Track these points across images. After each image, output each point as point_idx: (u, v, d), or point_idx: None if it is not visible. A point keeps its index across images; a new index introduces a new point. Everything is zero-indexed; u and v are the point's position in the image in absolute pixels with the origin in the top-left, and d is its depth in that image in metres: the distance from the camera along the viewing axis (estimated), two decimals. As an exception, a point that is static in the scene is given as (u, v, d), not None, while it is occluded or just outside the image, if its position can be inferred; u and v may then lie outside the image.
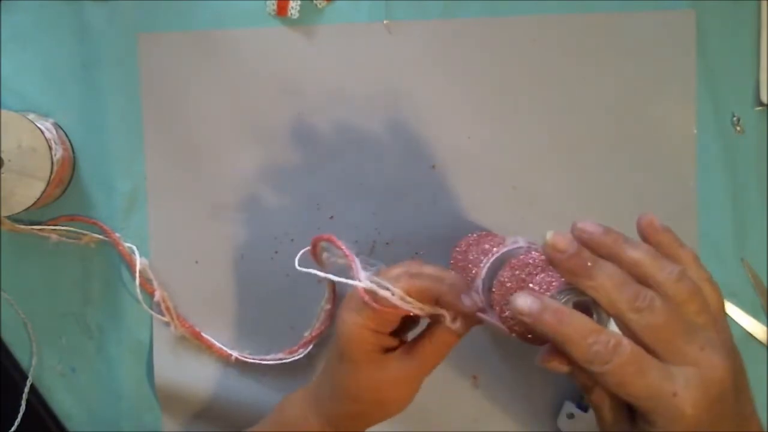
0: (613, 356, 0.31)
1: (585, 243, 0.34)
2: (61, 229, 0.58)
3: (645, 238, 0.36)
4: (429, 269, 0.42)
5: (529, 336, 0.40)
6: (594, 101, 0.58)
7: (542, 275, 0.39)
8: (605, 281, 0.33)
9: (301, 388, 0.48)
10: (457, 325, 0.42)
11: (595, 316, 0.37)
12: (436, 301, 0.42)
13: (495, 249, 0.45)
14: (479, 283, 0.44)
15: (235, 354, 0.58)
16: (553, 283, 0.38)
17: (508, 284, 0.40)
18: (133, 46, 0.58)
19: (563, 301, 0.36)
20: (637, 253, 0.34)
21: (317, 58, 0.58)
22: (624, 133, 0.58)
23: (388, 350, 0.44)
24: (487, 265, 0.44)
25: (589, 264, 0.33)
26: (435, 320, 0.43)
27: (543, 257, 0.40)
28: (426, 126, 0.58)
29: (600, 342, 0.32)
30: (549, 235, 0.34)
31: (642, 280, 0.33)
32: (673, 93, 0.58)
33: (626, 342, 0.32)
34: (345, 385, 0.43)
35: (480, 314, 0.43)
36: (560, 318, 0.33)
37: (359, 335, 0.42)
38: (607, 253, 0.34)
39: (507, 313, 0.40)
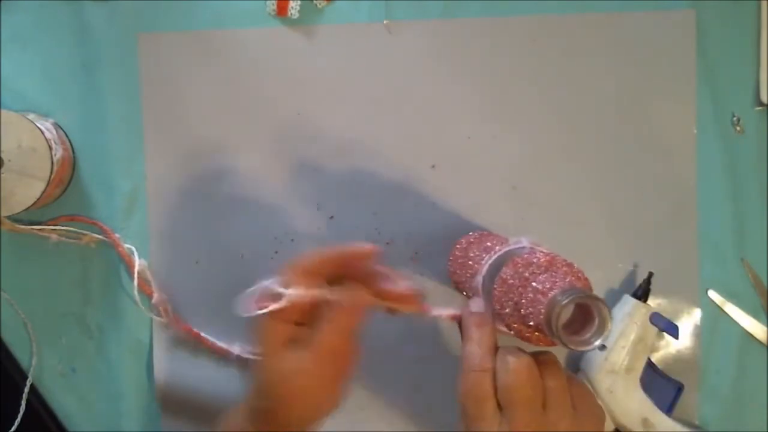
0: (473, 371, 0.39)
1: None
2: (61, 229, 0.58)
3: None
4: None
5: (527, 334, 0.40)
6: (594, 101, 0.58)
7: (545, 275, 0.39)
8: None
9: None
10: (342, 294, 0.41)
11: (596, 318, 0.37)
12: (343, 264, 0.42)
13: (498, 247, 0.45)
14: (479, 279, 0.44)
15: (236, 350, 0.58)
16: (557, 283, 0.38)
17: (511, 281, 0.40)
18: (133, 46, 0.58)
19: (565, 302, 0.36)
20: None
21: (317, 58, 0.58)
22: (624, 133, 0.58)
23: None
24: (489, 262, 0.44)
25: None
26: (331, 307, 0.42)
27: (547, 258, 0.40)
28: (426, 126, 0.58)
29: (483, 359, 0.39)
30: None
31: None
32: (673, 93, 0.58)
33: (488, 379, 0.38)
34: (255, 378, 0.42)
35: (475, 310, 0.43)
36: (481, 325, 0.40)
37: (267, 325, 0.41)
38: None
39: (507, 310, 0.40)
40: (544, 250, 0.42)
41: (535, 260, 0.40)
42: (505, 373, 0.37)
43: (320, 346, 0.40)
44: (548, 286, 0.38)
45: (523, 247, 0.44)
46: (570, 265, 0.40)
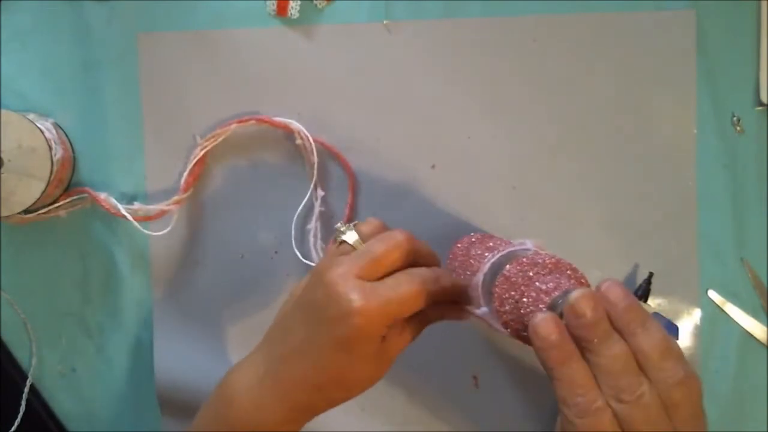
0: (588, 416, 0.32)
1: (606, 308, 0.34)
2: (65, 203, 0.57)
3: (608, 312, 0.35)
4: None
5: (524, 334, 0.40)
6: (594, 101, 0.58)
7: (550, 276, 0.39)
8: (606, 363, 0.33)
9: (245, 370, 0.44)
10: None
11: None
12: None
13: (501, 247, 0.45)
14: (480, 277, 0.44)
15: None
16: (561, 285, 0.38)
17: (513, 279, 0.40)
18: (133, 46, 0.58)
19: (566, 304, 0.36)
20: (648, 343, 0.33)
21: (317, 58, 0.58)
22: (624, 133, 0.58)
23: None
24: (492, 260, 0.44)
25: (596, 341, 0.33)
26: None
27: (553, 260, 0.40)
28: (426, 126, 0.58)
29: (587, 398, 0.33)
30: (574, 295, 0.34)
31: (640, 365, 0.33)
32: (673, 93, 0.58)
33: (608, 415, 0.32)
34: (338, 376, 0.39)
35: (473, 310, 0.43)
36: (564, 360, 0.34)
37: (382, 324, 0.38)
38: (620, 327, 0.34)
39: (506, 308, 0.40)
40: (549, 253, 0.42)
41: (540, 261, 0.40)
42: (630, 409, 0.32)
43: (407, 340, 0.41)
44: (552, 286, 0.38)
45: (527, 249, 0.44)
46: (575, 270, 0.40)
